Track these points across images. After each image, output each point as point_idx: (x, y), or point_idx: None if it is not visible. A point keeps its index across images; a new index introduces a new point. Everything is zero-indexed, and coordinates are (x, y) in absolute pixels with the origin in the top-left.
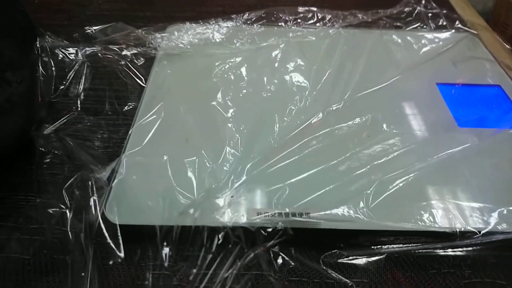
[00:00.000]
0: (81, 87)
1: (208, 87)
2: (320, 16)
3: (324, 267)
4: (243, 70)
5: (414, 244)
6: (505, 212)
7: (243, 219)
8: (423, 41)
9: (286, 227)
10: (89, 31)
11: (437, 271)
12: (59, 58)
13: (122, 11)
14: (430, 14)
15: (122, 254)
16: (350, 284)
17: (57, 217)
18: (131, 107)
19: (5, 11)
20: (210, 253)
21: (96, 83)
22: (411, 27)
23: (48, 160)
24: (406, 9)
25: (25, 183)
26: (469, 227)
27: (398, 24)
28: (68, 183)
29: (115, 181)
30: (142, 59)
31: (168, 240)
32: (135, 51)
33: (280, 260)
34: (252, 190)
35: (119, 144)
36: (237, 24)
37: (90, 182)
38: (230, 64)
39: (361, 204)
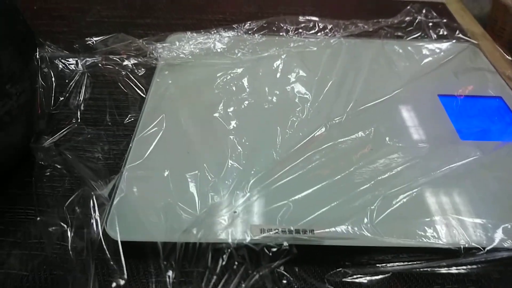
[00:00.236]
0: (81, 98)
1: (209, 99)
2: (321, 25)
3: (329, 286)
4: (245, 81)
5: (419, 262)
6: (509, 227)
7: (247, 238)
8: (424, 52)
9: (291, 247)
10: (90, 42)
11: (441, 286)
12: (59, 68)
13: (121, 18)
14: (430, 24)
15: (124, 272)
16: None
17: (57, 235)
18: (131, 118)
19: (5, 22)
20: (215, 274)
21: (97, 93)
22: (412, 37)
23: (48, 174)
24: (407, 19)
25: (24, 196)
26: (473, 244)
27: (399, 33)
28: (69, 201)
29: (116, 197)
30: (143, 69)
31: (171, 259)
32: (135, 61)
33: (285, 281)
34: (255, 207)
35: (119, 156)
36: (239, 33)
37: (91, 199)
38: (232, 75)
39: (365, 220)
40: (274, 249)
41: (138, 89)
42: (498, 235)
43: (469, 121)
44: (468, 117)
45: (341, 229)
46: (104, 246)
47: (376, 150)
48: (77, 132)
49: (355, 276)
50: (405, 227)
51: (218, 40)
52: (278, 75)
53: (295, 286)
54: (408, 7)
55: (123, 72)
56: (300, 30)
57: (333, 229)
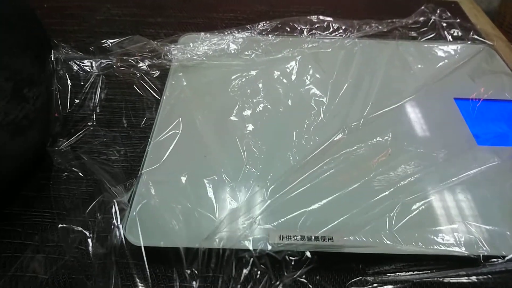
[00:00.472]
0: (97, 100)
1: (225, 101)
2: (335, 26)
3: None
4: (260, 83)
5: (437, 270)
6: None
7: (268, 246)
8: (439, 54)
9: (312, 255)
10: (106, 44)
11: None
12: (74, 70)
13: (132, 16)
14: (444, 24)
15: (148, 278)
16: None
17: (78, 240)
18: (147, 120)
19: (24, 28)
20: (239, 283)
21: (112, 95)
22: (426, 38)
23: (64, 177)
24: (421, 19)
25: (40, 198)
26: (493, 252)
27: (413, 33)
28: (90, 206)
29: (135, 202)
30: (157, 71)
31: (194, 265)
32: (150, 63)
33: None
34: (274, 214)
35: (136, 159)
36: (252, 34)
37: (112, 205)
38: (247, 77)
39: (385, 228)
40: (296, 258)
41: (153, 91)
42: None
43: (485, 126)
44: (484, 121)
45: (360, 237)
46: (127, 252)
47: (394, 156)
48: (93, 135)
49: (375, 285)
50: (424, 235)
51: (231, 41)
52: (293, 77)
53: None
54: (423, 7)
55: (138, 74)
56: (314, 31)
57: (352, 237)
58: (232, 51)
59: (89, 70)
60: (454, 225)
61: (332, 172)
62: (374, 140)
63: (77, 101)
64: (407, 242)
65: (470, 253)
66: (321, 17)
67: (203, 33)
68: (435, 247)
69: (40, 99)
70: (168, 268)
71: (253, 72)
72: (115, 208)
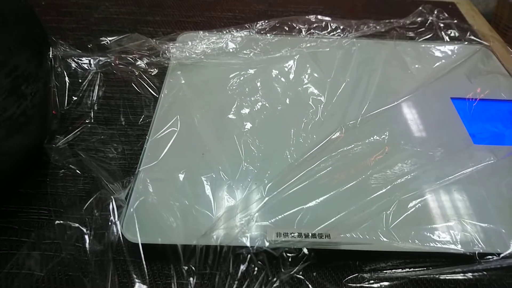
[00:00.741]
0: (95, 97)
1: (223, 100)
2: (333, 26)
3: None
4: (258, 82)
5: (433, 267)
6: None
7: (265, 243)
8: (436, 54)
9: (309, 252)
10: (104, 42)
11: None
12: (72, 68)
13: (130, 14)
14: (442, 25)
15: (146, 275)
16: None
17: (75, 236)
18: (144, 118)
19: (23, 26)
20: (236, 279)
21: (110, 93)
22: (423, 38)
23: (61, 174)
24: (419, 19)
25: (37, 196)
26: (488, 250)
27: (410, 34)
28: (88, 203)
29: (132, 199)
30: (155, 69)
31: (191, 262)
32: (148, 61)
33: (303, 286)
34: (271, 212)
35: (133, 157)
36: (251, 33)
37: (110, 202)
38: (245, 75)
39: (381, 225)
40: (293, 255)
41: (151, 89)
42: None
43: (482, 125)
44: (481, 121)
45: (357, 234)
46: (124, 249)
47: (391, 155)
48: (90, 132)
49: (371, 282)
50: (420, 232)
51: (230, 40)
52: (291, 76)
53: None
54: (420, 8)
55: (136, 72)
56: (312, 30)
57: (349, 234)
58: (231, 50)
59: (87, 67)
60: (450, 222)
61: (329, 170)
62: (371, 138)
63: (75, 98)
64: (403, 240)
65: (465, 251)
66: (319, 16)
67: (201, 32)
68: (431, 245)
69: (38, 96)
70: (165, 265)
71: (251, 71)
72: (113, 205)
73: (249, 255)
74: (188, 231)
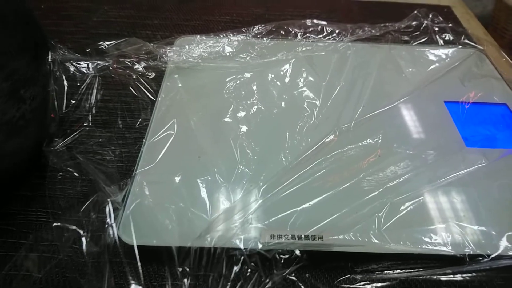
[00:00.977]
0: (93, 101)
1: (219, 103)
2: (329, 30)
3: None
4: (254, 85)
5: (424, 269)
6: None
7: (259, 245)
8: (431, 58)
9: (302, 254)
10: (102, 46)
11: None
12: (71, 71)
13: (128, 18)
14: (436, 29)
15: (141, 277)
16: None
17: (72, 239)
18: (142, 121)
19: (22, 29)
20: (229, 281)
21: (108, 96)
22: (418, 42)
23: (60, 177)
24: (414, 23)
25: (35, 198)
26: (478, 251)
27: (405, 38)
28: (85, 206)
29: (128, 201)
30: (153, 72)
31: (186, 264)
32: (146, 65)
33: None
34: (265, 214)
35: (130, 160)
36: (247, 37)
37: (106, 204)
38: (241, 79)
39: (373, 227)
40: (286, 256)
41: (148, 92)
42: (503, 242)
43: (474, 128)
44: (473, 124)
45: (349, 236)
46: (120, 250)
47: (384, 157)
48: (88, 135)
49: (363, 283)
50: (412, 234)
51: (227, 44)
52: (286, 79)
53: None
54: (415, 12)
55: (134, 76)
56: (308, 34)
57: (341, 236)
58: (227, 54)
59: (85, 71)
60: (442, 224)
61: (323, 173)
62: (365, 141)
63: (73, 102)
64: (395, 241)
65: (456, 252)
66: (315, 21)
67: (198, 36)
68: (423, 246)
69: (36, 100)
70: (160, 266)
71: (247, 75)
72: (109, 208)
73: (242, 257)
74: (183, 233)
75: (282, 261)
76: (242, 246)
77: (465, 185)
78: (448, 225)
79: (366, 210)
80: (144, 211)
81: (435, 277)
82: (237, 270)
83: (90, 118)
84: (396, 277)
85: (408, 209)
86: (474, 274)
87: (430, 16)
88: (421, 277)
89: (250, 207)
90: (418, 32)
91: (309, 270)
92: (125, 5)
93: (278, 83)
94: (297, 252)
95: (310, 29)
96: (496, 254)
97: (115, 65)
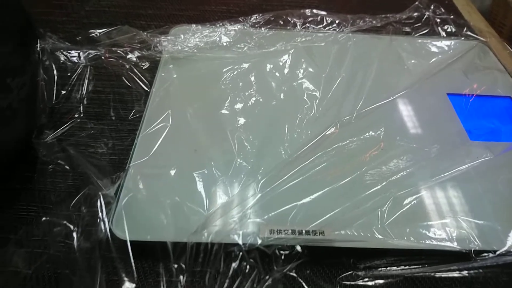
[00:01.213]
0: (84, 91)
1: (216, 94)
2: (329, 20)
3: None
4: (252, 76)
5: (428, 265)
6: None
7: (258, 240)
8: (433, 49)
9: (303, 249)
10: (93, 34)
11: None
12: (61, 61)
13: (122, 7)
14: (438, 20)
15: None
16: None
17: (62, 234)
18: (135, 113)
19: (6, 14)
20: (228, 278)
21: (100, 87)
22: (420, 33)
23: (50, 170)
24: (415, 14)
25: (26, 191)
26: (484, 247)
27: (407, 29)
28: (75, 199)
29: (122, 195)
30: (146, 62)
31: (181, 260)
32: (139, 54)
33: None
34: (265, 208)
35: (124, 153)
36: (245, 27)
37: (98, 198)
38: (238, 70)
39: (376, 222)
40: (286, 252)
41: (142, 83)
42: (510, 238)
43: (478, 121)
44: (477, 117)
45: (351, 231)
46: (111, 246)
47: (387, 151)
48: (80, 127)
49: (366, 279)
50: (416, 229)
51: (223, 33)
52: (285, 70)
53: None
54: (416, 3)
55: (127, 66)
56: (307, 25)
57: (343, 231)
58: (224, 44)
59: (76, 61)
60: (446, 219)
61: (324, 166)
62: (367, 134)
63: (63, 92)
64: (398, 237)
65: (461, 248)
66: (314, 11)
67: (194, 25)
68: (427, 242)
69: (24, 89)
70: (155, 262)
71: (245, 65)
72: (101, 202)
73: (240, 253)
74: (179, 228)
75: (282, 257)
76: (240, 242)
77: (470, 179)
78: (453, 220)
79: (369, 205)
80: (138, 205)
81: (439, 273)
82: (235, 266)
83: (81, 109)
84: (400, 274)
85: (412, 203)
86: (479, 270)
87: (432, 7)
88: (426, 273)
89: (249, 201)
90: (419, 24)
91: (310, 266)
92: None
93: (277, 74)
94: (298, 247)
95: (310, 19)
96: (502, 250)
97: (107, 55)
